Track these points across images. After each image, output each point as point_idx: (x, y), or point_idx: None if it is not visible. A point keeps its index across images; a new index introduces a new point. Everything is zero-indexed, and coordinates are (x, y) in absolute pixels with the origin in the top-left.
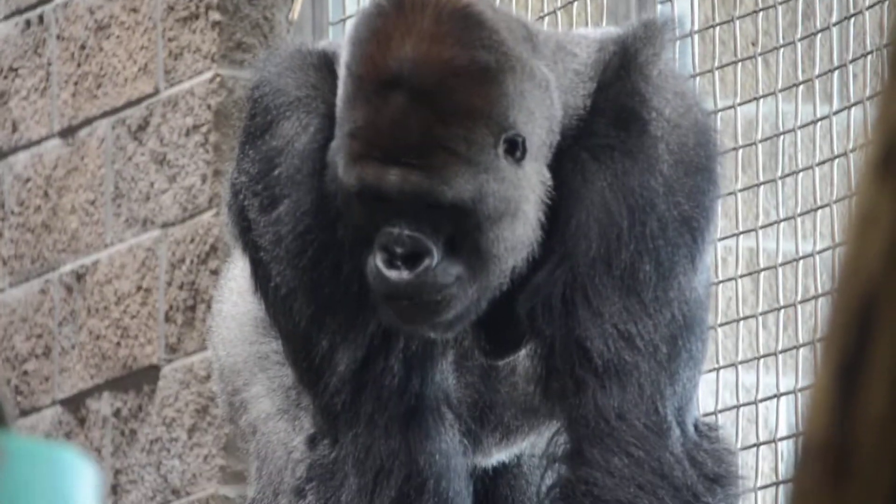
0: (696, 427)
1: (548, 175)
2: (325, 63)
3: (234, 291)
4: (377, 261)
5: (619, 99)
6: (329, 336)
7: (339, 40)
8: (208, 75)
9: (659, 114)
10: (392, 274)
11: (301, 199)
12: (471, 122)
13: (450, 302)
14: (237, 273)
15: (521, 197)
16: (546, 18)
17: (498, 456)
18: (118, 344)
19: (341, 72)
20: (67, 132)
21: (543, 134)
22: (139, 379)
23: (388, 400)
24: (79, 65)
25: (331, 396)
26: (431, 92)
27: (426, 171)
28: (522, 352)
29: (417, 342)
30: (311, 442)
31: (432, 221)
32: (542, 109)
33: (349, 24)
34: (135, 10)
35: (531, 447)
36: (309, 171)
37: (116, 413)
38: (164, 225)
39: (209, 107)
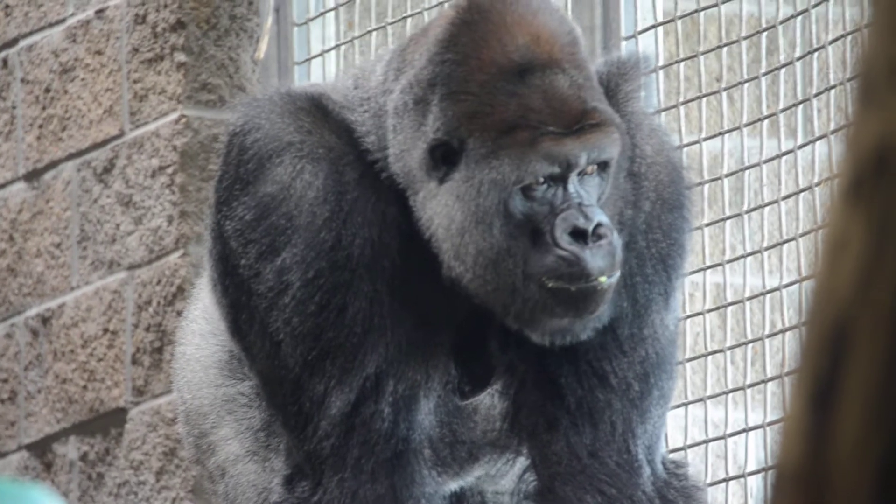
0: (663, 465)
1: None
2: (317, 106)
3: (197, 333)
4: (567, 246)
5: None
6: (325, 380)
7: (319, 84)
8: (174, 116)
9: (641, 151)
10: (588, 252)
11: (308, 244)
12: (594, 82)
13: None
14: (198, 315)
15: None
16: None
17: (458, 482)
18: (85, 387)
19: (431, 97)
20: (32, 175)
21: None
22: (106, 422)
23: (376, 444)
24: (44, 108)
25: (319, 440)
26: (562, 61)
27: (597, 129)
28: (486, 391)
29: (406, 385)
30: (288, 483)
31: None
32: None
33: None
34: (99, 53)
35: (492, 482)
36: (310, 216)
37: (83, 457)
38: (131, 267)
39: (175, 148)
